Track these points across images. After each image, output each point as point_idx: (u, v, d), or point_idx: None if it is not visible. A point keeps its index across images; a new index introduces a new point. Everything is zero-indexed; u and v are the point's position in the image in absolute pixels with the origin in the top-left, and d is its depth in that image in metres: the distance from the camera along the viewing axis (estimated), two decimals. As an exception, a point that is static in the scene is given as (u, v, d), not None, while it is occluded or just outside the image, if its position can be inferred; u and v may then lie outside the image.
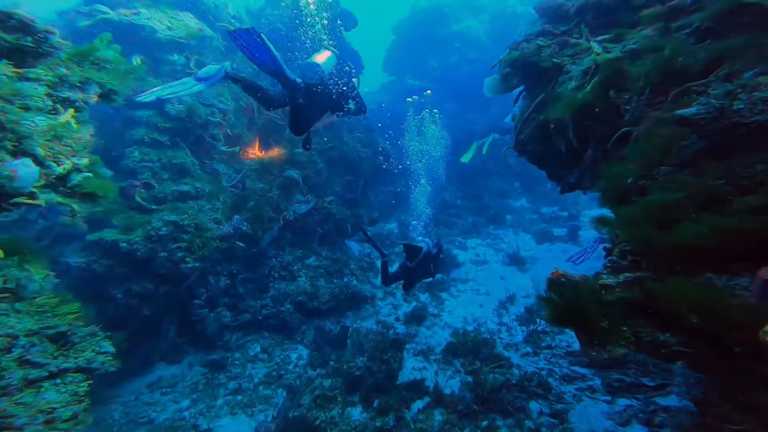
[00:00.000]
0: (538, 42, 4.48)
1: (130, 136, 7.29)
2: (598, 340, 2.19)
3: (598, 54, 3.60)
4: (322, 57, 4.53)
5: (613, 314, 2.21)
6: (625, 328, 2.16)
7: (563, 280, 2.65)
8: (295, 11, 10.96)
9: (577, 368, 6.57)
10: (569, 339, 7.26)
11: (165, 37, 7.69)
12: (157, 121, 7.38)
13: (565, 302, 2.43)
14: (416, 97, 13.65)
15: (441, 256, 7.28)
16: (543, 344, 7.30)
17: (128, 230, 6.40)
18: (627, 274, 2.28)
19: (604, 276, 2.44)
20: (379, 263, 7.31)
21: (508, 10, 15.81)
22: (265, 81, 4.79)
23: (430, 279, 7.46)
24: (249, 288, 8.11)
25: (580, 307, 2.31)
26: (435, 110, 12.46)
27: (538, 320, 7.80)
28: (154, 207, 6.87)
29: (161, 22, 7.76)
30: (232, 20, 9.69)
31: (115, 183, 6.71)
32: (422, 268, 6.71)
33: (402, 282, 6.83)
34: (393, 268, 6.98)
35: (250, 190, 8.88)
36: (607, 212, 4.19)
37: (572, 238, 11.81)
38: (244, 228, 7.54)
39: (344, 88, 4.74)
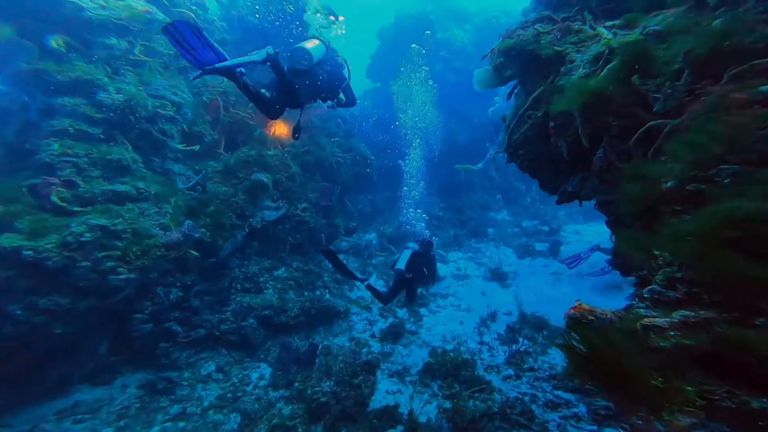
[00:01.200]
0: (536, 27, 3.91)
1: (49, 127, 6.20)
2: (649, 404, 1.52)
3: (609, 39, 3.04)
4: (311, 44, 4.46)
5: (669, 368, 1.54)
6: (689, 388, 1.50)
7: (590, 318, 1.96)
8: (269, 5, 10.27)
9: (561, 393, 6.02)
10: (552, 360, 6.75)
11: (97, 16, 6.56)
12: (86, 111, 6.32)
13: (595, 350, 1.74)
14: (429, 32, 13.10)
15: (432, 253, 6.88)
16: (525, 366, 6.73)
17: (36, 235, 5.31)
18: (685, 313, 1.63)
19: (643, 310, 1.79)
20: (360, 286, 6.79)
21: (493, 21, 15.58)
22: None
23: (429, 284, 7.31)
24: (206, 301, 7.19)
25: (617, 358, 1.64)
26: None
27: (520, 340, 7.26)
28: (77, 209, 5.80)
29: (93, 1, 6.63)
30: (194, 7, 8.70)
31: (25, 180, 5.74)
32: (417, 276, 6.47)
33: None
34: (372, 282, 6.63)
35: (211, 194, 7.98)
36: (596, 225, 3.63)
37: (554, 253, 11.49)
38: (197, 235, 6.58)
39: (335, 77, 4.72)
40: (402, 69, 13.68)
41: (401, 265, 6.42)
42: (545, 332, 7.46)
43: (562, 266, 10.14)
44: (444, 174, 15.26)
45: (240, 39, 10.48)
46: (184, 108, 7.53)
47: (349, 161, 12.11)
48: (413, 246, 6.77)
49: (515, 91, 4.70)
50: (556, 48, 3.64)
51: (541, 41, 3.79)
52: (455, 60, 14.99)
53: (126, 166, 6.51)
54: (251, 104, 9.58)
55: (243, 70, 3.89)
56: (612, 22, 3.41)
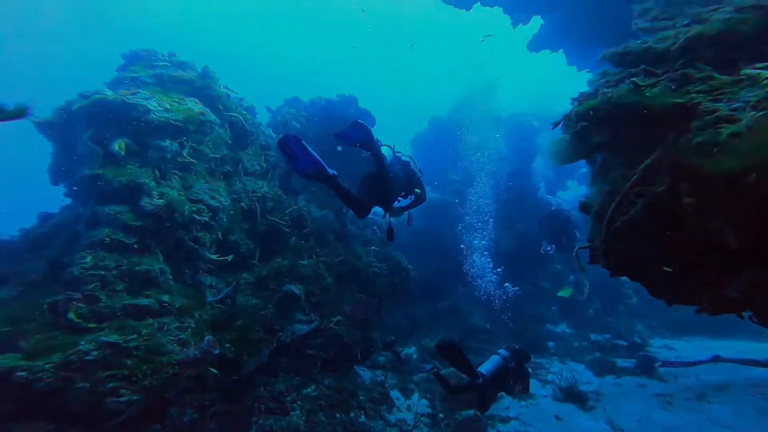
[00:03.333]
0: (633, 80, 3.62)
1: (88, 239, 6.46)
2: None
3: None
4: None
5: None
6: None
7: None
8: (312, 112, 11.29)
9: None
10: None
11: (159, 118, 7.18)
12: (127, 219, 6.59)
13: None
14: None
15: (526, 366, 6.61)
16: None
17: (38, 355, 5.15)
18: None
19: None
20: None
21: (525, 124, 16.36)
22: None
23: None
24: (224, 424, 6.43)
25: None
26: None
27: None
28: (92, 325, 5.71)
29: (160, 104, 7.36)
30: (244, 111, 9.60)
31: (49, 297, 5.81)
32: (497, 385, 6.10)
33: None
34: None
35: (241, 307, 7.91)
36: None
37: (646, 371, 10.02)
38: (216, 351, 6.32)
39: (408, 173, 5.35)
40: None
41: (485, 370, 6.02)
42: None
43: (669, 387, 8.92)
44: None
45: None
46: (220, 213, 7.82)
47: (386, 271, 11.88)
48: (504, 354, 6.40)
49: (600, 168, 4.25)
50: (675, 100, 3.26)
51: (647, 93, 3.44)
52: (490, 162, 15.50)
53: (153, 278, 6.56)
54: (288, 211, 10.15)
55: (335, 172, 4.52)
56: (765, 64, 3.14)
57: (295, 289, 8.63)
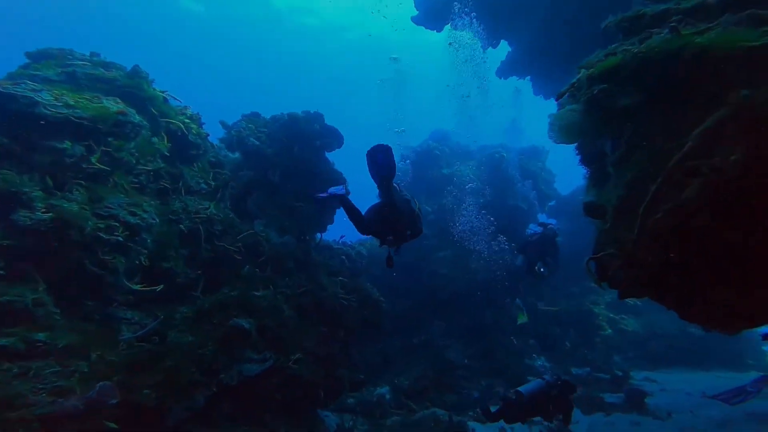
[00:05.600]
0: (674, 26, 2.54)
1: None
2: None
3: None
4: None
5: None
6: None
7: None
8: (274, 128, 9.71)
9: None
10: None
11: (54, 114, 5.25)
12: None
13: None
14: None
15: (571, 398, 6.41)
16: None
17: None
18: None
19: None
20: None
21: (495, 156, 15.52)
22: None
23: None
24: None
25: None
26: None
27: None
28: None
29: (58, 99, 5.44)
30: (187, 120, 7.81)
31: None
32: (532, 408, 6.00)
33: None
34: None
35: (172, 345, 6.16)
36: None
37: (636, 406, 8.98)
38: (114, 401, 4.62)
39: (411, 208, 5.28)
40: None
41: (524, 390, 5.97)
42: None
43: (666, 427, 8.02)
44: (467, 316, 13.19)
45: (240, 161, 9.70)
46: (143, 234, 6.01)
47: (355, 304, 10.21)
48: (548, 379, 6.31)
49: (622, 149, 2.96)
50: (750, 42, 2.21)
51: (698, 40, 2.36)
52: (463, 195, 14.42)
53: (23, 311, 4.77)
54: (240, 236, 8.49)
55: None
56: None
57: (244, 323, 7.05)
